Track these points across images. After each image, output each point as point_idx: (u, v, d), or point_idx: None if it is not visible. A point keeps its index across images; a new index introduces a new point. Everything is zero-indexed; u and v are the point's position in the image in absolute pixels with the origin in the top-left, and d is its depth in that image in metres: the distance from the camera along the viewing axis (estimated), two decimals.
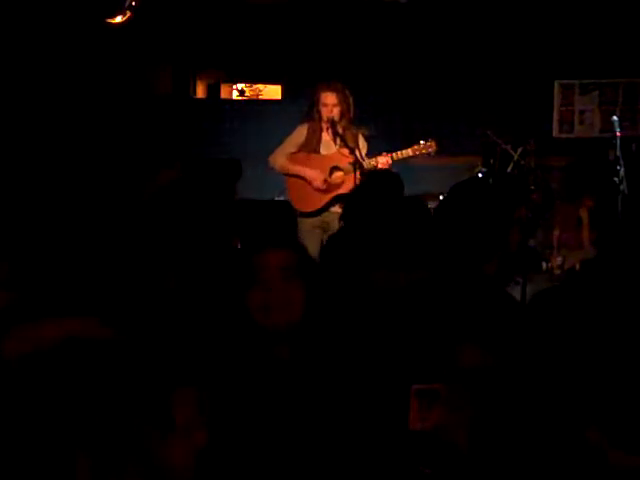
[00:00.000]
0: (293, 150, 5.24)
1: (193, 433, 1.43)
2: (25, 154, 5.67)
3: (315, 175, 5.15)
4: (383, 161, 5.11)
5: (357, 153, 5.07)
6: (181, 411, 1.41)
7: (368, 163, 5.09)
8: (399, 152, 5.16)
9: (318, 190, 5.15)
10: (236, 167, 3.49)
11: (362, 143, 5.23)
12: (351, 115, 5.20)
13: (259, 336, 1.97)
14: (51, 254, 2.23)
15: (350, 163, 5.01)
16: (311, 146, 5.22)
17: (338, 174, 5.15)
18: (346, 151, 5.04)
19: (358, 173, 4.91)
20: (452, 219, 2.34)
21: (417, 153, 5.21)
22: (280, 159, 5.23)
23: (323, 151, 5.23)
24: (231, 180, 3.50)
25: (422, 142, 5.21)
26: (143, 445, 1.37)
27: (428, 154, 5.23)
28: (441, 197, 6.63)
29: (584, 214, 6.51)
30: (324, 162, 5.19)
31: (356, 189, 4.24)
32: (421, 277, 2.29)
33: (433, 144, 5.21)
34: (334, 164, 5.16)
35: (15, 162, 5.44)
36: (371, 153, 5.22)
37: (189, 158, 6.93)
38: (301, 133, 5.25)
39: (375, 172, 4.71)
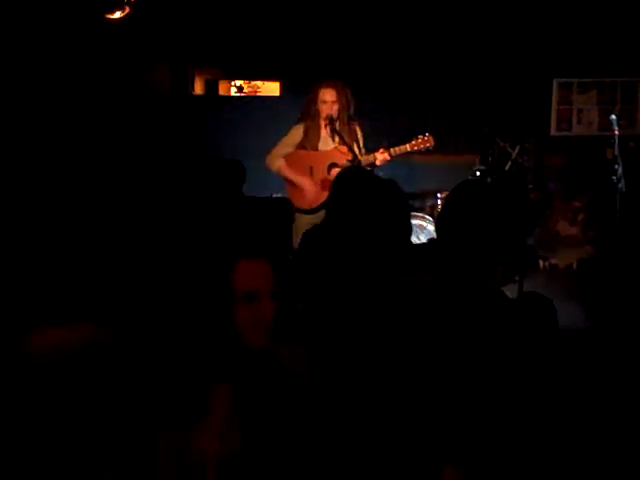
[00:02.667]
0: (289, 150, 5.24)
1: (228, 435, 1.42)
2: (22, 151, 5.66)
3: (308, 187, 5.18)
4: (381, 157, 5.12)
5: (355, 150, 5.09)
6: (216, 406, 1.40)
7: (366, 159, 5.10)
8: (397, 148, 5.18)
9: (318, 185, 5.16)
10: (240, 170, 3.40)
11: (360, 135, 5.25)
12: (350, 112, 5.20)
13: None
14: (60, 254, 2.22)
15: (349, 160, 5.03)
16: (309, 144, 5.22)
17: (337, 170, 5.15)
18: (344, 149, 5.04)
19: None
20: (461, 225, 2.29)
21: (415, 149, 5.23)
22: (276, 161, 5.23)
23: (321, 148, 5.23)
24: (237, 183, 3.41)
25: (419, 137, 5.23)
26: (176, 437, 1.37)
27: (426, 149, 5.25)
28: (439, 195, 6.67)
29: (580, 212, 6.51)
30: (322, 159, 5.19)
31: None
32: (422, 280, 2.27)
33: (430, 139, 5.23)
34: (332, 161, 5.16)
35: (11, 160, 5.43)
36: (369, 150, 5.23)
37: (188, 154, 6.92)
38: (297, 133, 5.25)
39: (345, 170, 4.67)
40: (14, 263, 2.12)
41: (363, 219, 2.78)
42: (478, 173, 6.64)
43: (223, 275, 1.88)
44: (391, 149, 5.15)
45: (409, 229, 2.91)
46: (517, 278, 4.92)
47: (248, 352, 1.86)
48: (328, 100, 5.12)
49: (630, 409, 1.79)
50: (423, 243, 4.29)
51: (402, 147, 5.19)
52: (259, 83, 8.05)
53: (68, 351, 1.58)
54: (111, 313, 2.05)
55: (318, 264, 2.83)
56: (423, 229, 6.15)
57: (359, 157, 5.05)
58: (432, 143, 5.23)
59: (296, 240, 5.04)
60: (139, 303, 2.22)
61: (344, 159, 5.08)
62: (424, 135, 5.22)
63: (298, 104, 5.52)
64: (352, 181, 3.37)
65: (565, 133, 7.76)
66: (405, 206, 2.93)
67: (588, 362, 2.10)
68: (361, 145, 5.25)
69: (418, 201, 6.92)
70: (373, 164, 5.12)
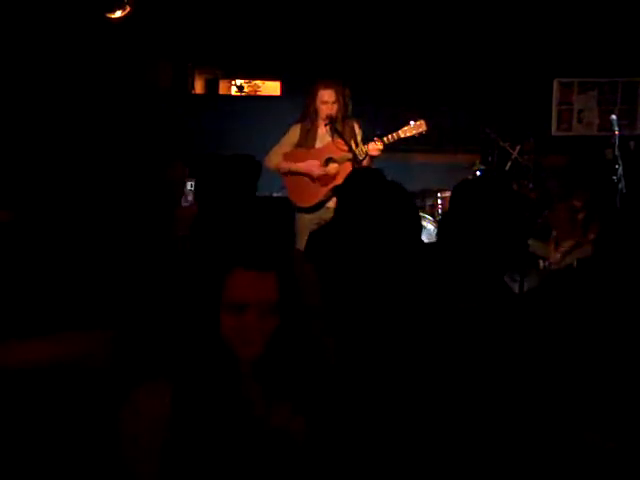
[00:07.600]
0: (287, 150, 5.23)
1: None
2: (22, 149, 5.66)
3: (310, 166, 5.15)
4: (374, 147, 5.05)
5: (353, 146, 5.06)
6: None
7: (360, 151, 5.05)
8: (389, 135, 5.11)
9: (317, 179, 5.14)
10: (256, 165, 3.36)
11: (358, 131, 5.22)
12: (348, 111, 5.19)
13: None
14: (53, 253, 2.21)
15: (348, 158, 5.02)
16: (307, 143, 5.22)
17: (333, 165, 5.15)
18: (342, 145, 5.03)
19: (353, 164, 4.92)
20: (467, 224, 2.25)
21: (407, 134, 5.14)
22: (274, 159, 5.23)
23: (318, 146, 5.23)
24: (252, 179, 3.34)
25: (412, 122, 5.14)
26: None
27: (419, 134, 5.17)
28: (439, 194, 6.66)
29: (580, 212, 6.49)
30: (318, 154, 5.19)
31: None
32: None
33: (422, 124, 5.14)
34: (328, 155, 5.15)
35: (11, 158, 5.42)
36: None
37: (188, 154, 6.91)
38: (295, 133, 5.25)
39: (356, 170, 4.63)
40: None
41: (373, 219, 2.76)
42: (478, 173, 6.64)
43: (213, 282, 1.79)
44: (384, 137, 5.07)
45: (419, 228, 2.90)
46: (517, 278, 4.92)
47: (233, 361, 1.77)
48: (328, 100, 5.11)
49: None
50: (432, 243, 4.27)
51: (394, 134, 5.10)
52: (259, 82, 8.06)
53: (51, 362, 1.59)
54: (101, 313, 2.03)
55: (327, 265, 2.81)
56: (423, 229, 6.14)
57: (354, 150, 5.01)
58: (425, 128, 5.13)
59: (297, 240, 5.04)
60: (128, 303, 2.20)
61: (340, 153, 5.07)
62: (416, 120, 5.15)
63: (298, 104, 5.52)
64: (360, 181, 3.36)
65: (565, 133, 7.76)
66: (414, 206, 2.92)
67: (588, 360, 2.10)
68: (358, 141, 5.20)
69: (418, 201, 6.91)
70: (367, 155, 5.05)
